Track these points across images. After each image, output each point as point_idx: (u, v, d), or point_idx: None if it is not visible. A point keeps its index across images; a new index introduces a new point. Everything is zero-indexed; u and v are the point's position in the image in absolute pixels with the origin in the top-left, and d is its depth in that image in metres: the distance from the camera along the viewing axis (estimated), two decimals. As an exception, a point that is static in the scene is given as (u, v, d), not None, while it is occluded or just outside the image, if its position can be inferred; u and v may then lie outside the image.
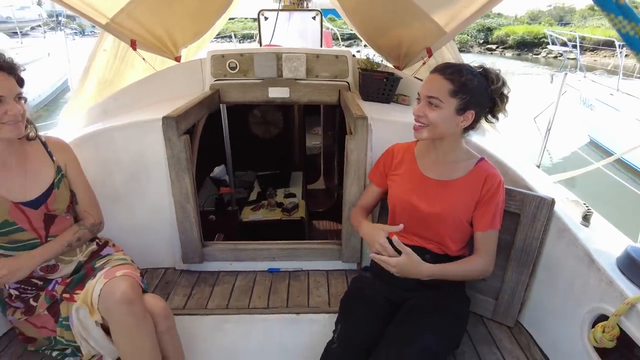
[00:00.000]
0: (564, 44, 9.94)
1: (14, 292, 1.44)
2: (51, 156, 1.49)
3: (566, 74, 4.98)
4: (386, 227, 1.45)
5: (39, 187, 1.43)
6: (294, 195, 3.50)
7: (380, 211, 1.90)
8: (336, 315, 1.53)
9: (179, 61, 2.76)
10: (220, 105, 2.34)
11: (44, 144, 1.50)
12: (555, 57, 22.63)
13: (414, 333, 1.32)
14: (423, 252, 1.50)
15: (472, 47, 27.98)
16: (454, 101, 1.35)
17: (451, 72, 1.36)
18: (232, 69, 2.26)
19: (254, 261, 1.98)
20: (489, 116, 1.46)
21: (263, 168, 3.90)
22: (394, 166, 1.61)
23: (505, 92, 1.43)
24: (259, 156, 3.80)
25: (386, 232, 1.43)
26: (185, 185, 1.80)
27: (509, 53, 27.00)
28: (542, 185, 1.64)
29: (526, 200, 1.54)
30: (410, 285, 1.51)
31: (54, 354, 1.48)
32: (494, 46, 28.15)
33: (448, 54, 2.58)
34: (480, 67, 1.43)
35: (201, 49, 3.85)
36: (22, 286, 1.44)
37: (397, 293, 1.51)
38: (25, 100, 1.36)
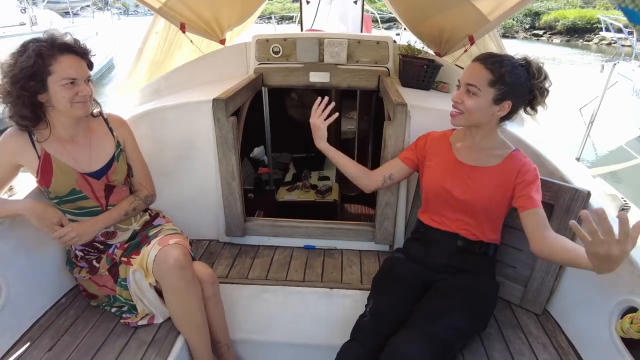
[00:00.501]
0: (619, 30, 9.30)
1: (79, 253, 1.61)
2: (112, 132, 1.62)
3: (615, 64, 4.74)
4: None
5: (101, 160, 1.57)
6: (327, 179, 3.59)
7: (415, 196, 1.96)
8: (368, 292, 1.62)
9: (223, 44, 2.86)
10: (262, 88, 2.44)
11: (106, 120, 1.63)
12: (609, 44, 21.26)
13: (443, 311, 1.39)
14: (455, 238, 1.56)
15: (517, 32, 26.52)
16: (491, 91, 1.39)
17: (492, 62, 1.39)
18: (276, 53, 2.34)
19: (291, 237, 2.09)
20: (528, 108, 1.48)
21: (298, 150, 4.00)
22: (427, 152, 1.66)
23: (547, 85, 1.44)
24: (294, 138, 3.89)
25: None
26: (232, 164, 1.91)
27: (557, 39, 25.47)
28: (579, 178, 1.65)
29: (561, 191, 1.56)
30: (441, 268, 1.57)
31: (113, 310, 1.64)
32: (541, 32, 26.60)
33: (490, 42, 2.55)
34: (524, 59, 1.44)
35: (243, 31, 3.95)
36: (87, 248, 1.60)
37: (428, 274, 1.58)
38: (92, 81, 1.49)
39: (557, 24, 26.15)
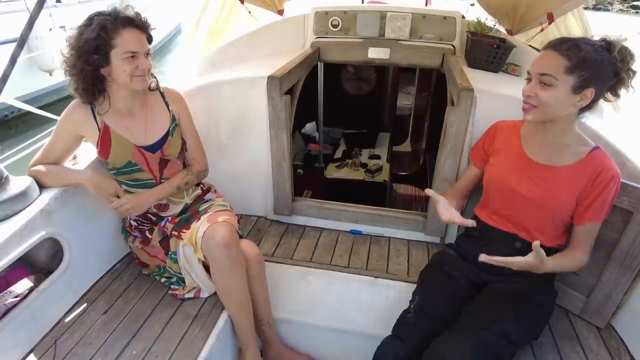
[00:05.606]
0: None
1: (133, 223, 1.67)
2: (167, 106, 1.63)
3: None
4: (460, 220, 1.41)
5: (156, 134, 1.59)
6: (378, 157, 3.49)
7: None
8: (413, 285, 1.56)
9: (281, 14, 2.79)
10: (318, 63, 2.35)
11: (162, 95, 1.63)
12: None
13: (493, 316, 1.31)
14: (514, 239, 1.45)
15: (611, 4, 23.48)
16: (569, 79, 1.21)
17: (568, 47, 1.22)
18: (334, 26, 2.24)
19: (338, 221, 2.06)
20: (608, 94, 1.29)
21: (350, 126, 3.90)
22: (496, 144, 1.52)
23: (633, 66, 1.24)
24: (347, 113, 3.78)
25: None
26: (283, 144, 1.88)
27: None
28: None
29: (644, 198, 1.39)
30: (496, 270, 1.47)
31: (162, 280, 1.71)
32: (642, 3, 23.39)
33: (573, 20, 2.26)
34: (603, 40, 1.24)
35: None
36: (140, 219, 1.66)
37: (481, 275, 1.49)
38: (151, 55, 1.49)
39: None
